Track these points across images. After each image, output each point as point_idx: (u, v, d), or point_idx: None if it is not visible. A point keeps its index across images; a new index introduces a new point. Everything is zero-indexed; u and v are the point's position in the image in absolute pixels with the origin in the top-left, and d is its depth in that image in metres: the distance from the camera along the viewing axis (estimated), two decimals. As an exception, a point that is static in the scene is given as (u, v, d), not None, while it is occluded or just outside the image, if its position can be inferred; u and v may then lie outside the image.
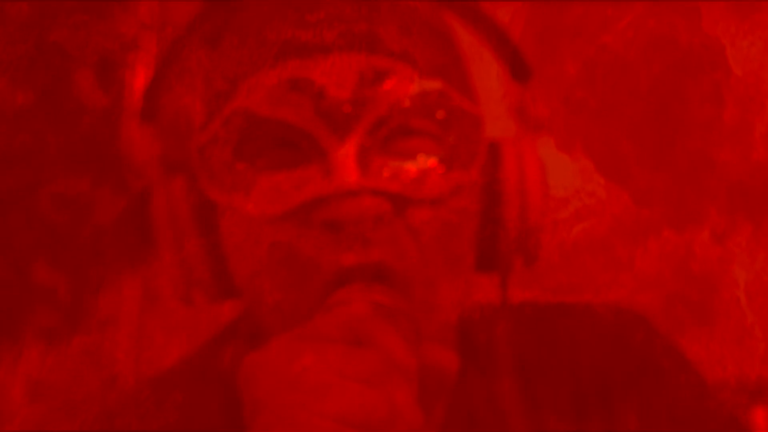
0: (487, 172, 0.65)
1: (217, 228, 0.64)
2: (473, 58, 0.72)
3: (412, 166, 0.62)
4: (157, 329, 1.26)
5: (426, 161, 0.62)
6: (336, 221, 0.59)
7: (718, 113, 0.83)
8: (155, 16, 1.14)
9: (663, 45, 0.85)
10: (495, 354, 0.68)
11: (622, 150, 0.82)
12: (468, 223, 0.64)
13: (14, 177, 1.07)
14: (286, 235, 0.61)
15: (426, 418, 0.55)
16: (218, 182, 0.63)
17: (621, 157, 0.83)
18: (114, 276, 1.16)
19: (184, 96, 0.70)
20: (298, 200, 0.60)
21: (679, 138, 0.85)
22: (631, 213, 0.83)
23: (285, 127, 0.61)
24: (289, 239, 0.61)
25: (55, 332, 1.16)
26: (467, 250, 0.64)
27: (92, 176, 1.09)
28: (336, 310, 0.57)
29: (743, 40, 0.84)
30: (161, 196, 0.65)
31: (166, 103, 0.70)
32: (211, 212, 0.64)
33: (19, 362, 1.15)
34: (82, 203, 1.07)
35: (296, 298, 0.61)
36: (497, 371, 0.67)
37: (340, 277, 0.59)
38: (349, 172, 0.59)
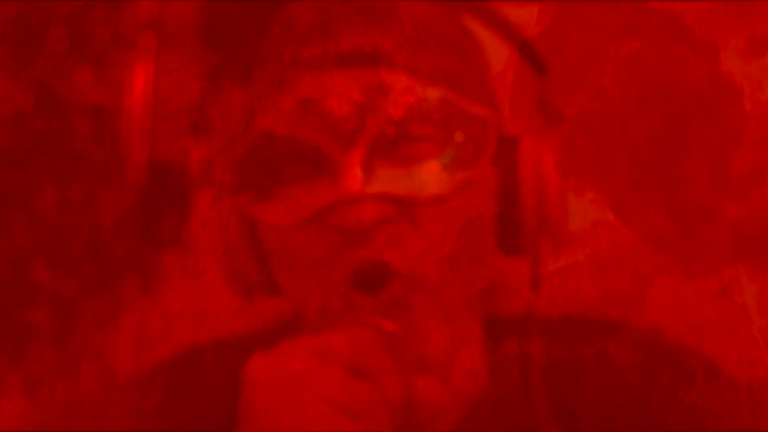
0: (504, 163, 0.70)
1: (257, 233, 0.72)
2: (494, 58, 0.73)
3: (415, 170, 0.67)
4: (157, 330, 1.26)
5: (429, 164, 0.67)
6: (343, 226, 0.65)
7: (728, 161, 0.82)
8: (155, 16, 1.13)
9: (668, 85, 0.84)
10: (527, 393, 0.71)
11: (626, 199, 0.82)
12: (479, 216, 0.69)
13: (14, 177, 1.07)
14: (306, 239, 0.68)
15: None
16: (246, 195, 0.70)
17: (626, 206, 0.82)
18: (114, 276, 1.16)
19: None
20: (312, 209, 0.67)
21: (687, 187, 0.84)
22: (644, 258, 0.83)
23: (299, 143, 0.67)
24: (309, 243, 0.68)
25: (54, 333, 1.17)
26: (480, 241, 0.69)
27: (93, 177, 1.09)
28: (345, 331, 0.63)
29: (761, 80, 0.82)
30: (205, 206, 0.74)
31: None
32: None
33: (18, 362, 1.15)
34: (82, 204, 1.07)
35: (318, 294, 0.68)
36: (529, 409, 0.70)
37: (351, 275, 0.66)
38: (353, 180, 0.65)
